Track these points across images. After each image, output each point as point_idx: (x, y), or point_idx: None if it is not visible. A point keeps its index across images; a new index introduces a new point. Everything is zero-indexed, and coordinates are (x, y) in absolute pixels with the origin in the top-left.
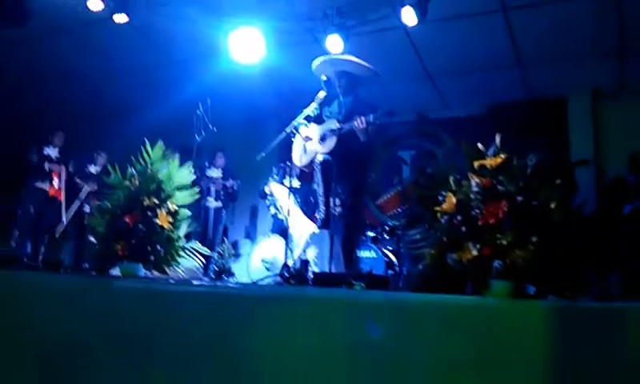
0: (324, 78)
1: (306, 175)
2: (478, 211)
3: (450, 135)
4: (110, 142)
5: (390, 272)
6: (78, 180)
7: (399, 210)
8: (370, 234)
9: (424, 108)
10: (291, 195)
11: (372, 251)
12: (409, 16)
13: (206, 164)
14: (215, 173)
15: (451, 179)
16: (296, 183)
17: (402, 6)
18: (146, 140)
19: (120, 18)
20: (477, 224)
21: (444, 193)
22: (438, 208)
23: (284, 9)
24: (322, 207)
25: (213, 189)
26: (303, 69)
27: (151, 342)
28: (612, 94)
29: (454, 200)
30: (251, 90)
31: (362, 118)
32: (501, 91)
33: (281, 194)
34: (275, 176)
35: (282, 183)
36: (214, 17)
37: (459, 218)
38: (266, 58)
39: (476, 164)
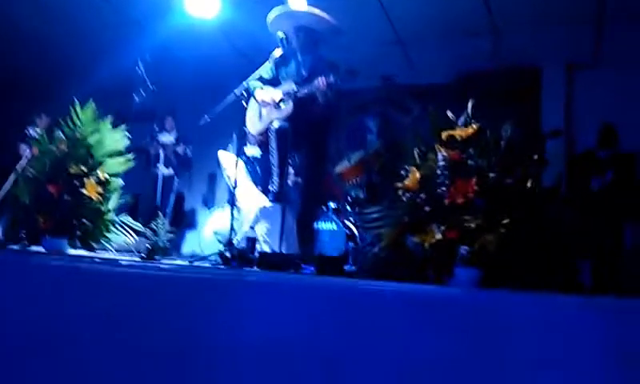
0: (281, 34)
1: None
2: (444, 189)
3: (418, 103)
4: (55, 106)
5: (350, 245)
6: (21, 144)
7: (359, 179)
8: (332, 204)
9: (391, 73)
10: (240, 165)
11: (333, 223)
12: None
13: (156, 128)
14: (166, 138)
15: (415, 152)
16: (254, 151)
17: None
18: (77, 101)
19: None
20: (442, 203)
21: (407, 167)
22: (399, 184)
23: None
24: (275, 179)
25: (162, 155)
26: (264, 25)
27: (74, 326)
28: (587, 65)
29: (417, 175)
30: (209, 49)
31: (323, 78)
32: (472, 59)
33: (229, 164)
34: (232, 144)
35: (243, 151)
36: None
37: (423, 196)
38: (223, 14)
39: (444, 135)
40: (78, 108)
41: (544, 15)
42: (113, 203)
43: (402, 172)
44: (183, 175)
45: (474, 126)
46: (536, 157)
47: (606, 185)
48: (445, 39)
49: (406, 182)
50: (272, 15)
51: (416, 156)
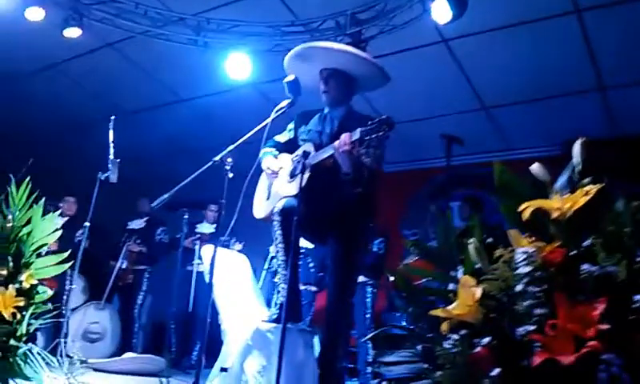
0: (290, 77)
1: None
2: (531, 327)
3: None
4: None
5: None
6: None
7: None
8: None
9: (479, 149)
10: (236, 261)
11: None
12: (441, 11)
13: (185, 217)
14: (206, 228)
15: (471, 246)
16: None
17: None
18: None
19: (72, 33)
20: (528, 361)
21: (456, 275)
22: (439, 311)
23: (288, 18)
24: (281, 286)
25: (198, 248)
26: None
27: None
28: None
29: (476, 294)
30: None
31: (347, 136)
32: (579, 125)
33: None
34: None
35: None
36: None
37: (487, 339)
38: (274, 85)
39: (526, 209)
40: (14, 188)
41: None
42: (24, 326)
43: (450, 285)
44: None
45: (589, 189)
46: None
47: None
48: (541, 102)
49: (453, 307)
50: (290, 55)
51: (471, 254)
